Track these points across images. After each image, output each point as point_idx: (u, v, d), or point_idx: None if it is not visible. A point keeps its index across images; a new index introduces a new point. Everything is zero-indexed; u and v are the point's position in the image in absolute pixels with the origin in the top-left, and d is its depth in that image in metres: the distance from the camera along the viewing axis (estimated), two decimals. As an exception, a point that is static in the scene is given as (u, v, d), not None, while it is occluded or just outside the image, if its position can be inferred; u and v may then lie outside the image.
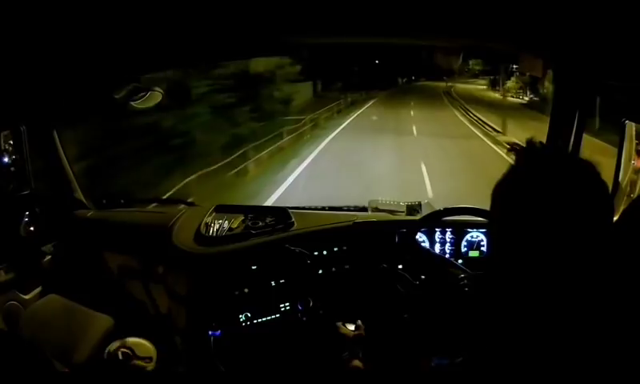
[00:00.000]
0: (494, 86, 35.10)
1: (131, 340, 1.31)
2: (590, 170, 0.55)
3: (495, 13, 0.93)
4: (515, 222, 0.56)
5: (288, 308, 1.58)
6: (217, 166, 7.82)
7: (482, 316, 0.67)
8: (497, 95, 29.24)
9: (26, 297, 1.46)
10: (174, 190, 6.29)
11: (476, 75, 50.43)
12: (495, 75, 35.02)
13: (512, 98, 25.42)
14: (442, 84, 42.28)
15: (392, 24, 1.12)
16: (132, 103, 1.45)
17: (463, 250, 1.65)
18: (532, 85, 22.40)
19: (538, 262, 0.54)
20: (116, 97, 1.38)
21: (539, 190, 0.54)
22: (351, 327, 1.32)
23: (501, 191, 0.59)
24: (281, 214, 1.72)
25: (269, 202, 6.56)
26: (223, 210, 1.75)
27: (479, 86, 40.20)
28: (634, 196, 1.31)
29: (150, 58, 1.29)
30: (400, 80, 46.15)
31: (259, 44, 1.43)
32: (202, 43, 1.24)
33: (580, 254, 0.53)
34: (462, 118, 18.57)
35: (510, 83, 27.42)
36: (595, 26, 0.90)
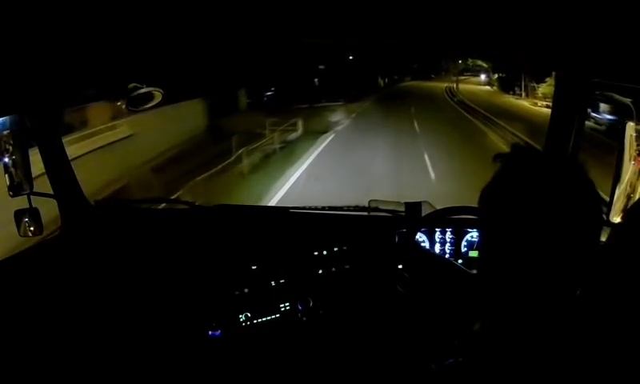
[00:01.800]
0: (507, 87, 25.57)
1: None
2: (574, 170, 0.55)
3: (496, 14, 0.93)
4: (500, 223, 0.56)
5: (288, 308, 1.58)
6: None
7: (480, 315, 0.67)
8: (524, 103, 20.08)
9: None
10: None
11: (461, 72, 40.82)
12: (502, 73, 25.92)
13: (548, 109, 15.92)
14: (436, 85, 33.20)
15: (393, 25, 1.12)
16: (133, 103, 1.45)
17: (463, 249, 1.65)
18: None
19: (524, 262, 0.55)
20: (120, 97, 1.39)
21: (522, 191, 0.54)
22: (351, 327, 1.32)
23: (486, 193, 0.59)
24: (281, 214, 1.72)
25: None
26: (224, 209, 1.76)
27: (481, 87, 31.37)
28: (634, 196, 1.31)
29: (145, 59, 1.29)
30: (381, 80, 34.37)
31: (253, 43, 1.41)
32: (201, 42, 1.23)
33: (567, 253, 0.53)
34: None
35: (547, 88, 17.33)
36: (595, 27, 0.90)
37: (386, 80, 36.75)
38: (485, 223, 0.60)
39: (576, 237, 0.54)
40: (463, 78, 39.08)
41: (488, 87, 30.67)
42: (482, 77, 36.08)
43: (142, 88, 1.43)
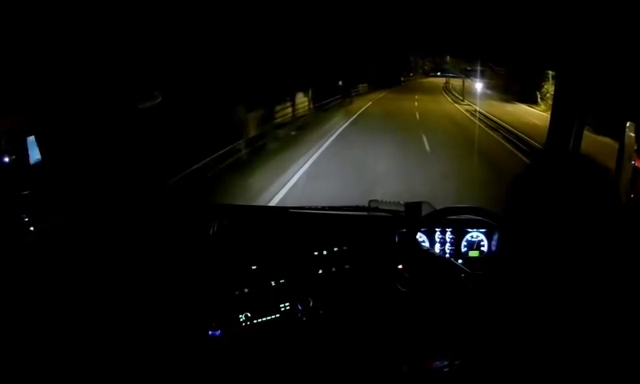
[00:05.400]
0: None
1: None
2: (595, 171, 0.55)
3: (500, 20, 0.93)
4: (523, 218, 0.56)
5: (288, 308, 1.58)
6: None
7: (482, 316, 0.67)
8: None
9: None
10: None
11: (427, 73, 33.86)
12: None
13: None
14: (441, 107, 17.62)
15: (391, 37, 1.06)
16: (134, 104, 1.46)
17: (463, 249, 1.65)
18: None
19: (542, 259, 0.55)
20: (122, 98, 1.39)
21: (547, 188, 0.54)
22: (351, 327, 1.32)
23: (512, 189, 0.59)
24: (281, 214, 1.72)
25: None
26: (223, 209, 1.76)
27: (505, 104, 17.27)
28: (634, 196, 1.31)
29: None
30: (304, 98, 12.12)
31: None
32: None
33: (583, 253, 0.54)
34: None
35: None
36: (594, 30, 0.90)
37: (311, 101, 13.57)
38: (506, 221, 0.60)
39: (594, 235, 0.54)
40: (428, 79, 30.21)
41: (524, 106, 16.35)
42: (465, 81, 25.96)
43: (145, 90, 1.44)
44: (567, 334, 0.54)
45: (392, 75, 26.41)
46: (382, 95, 21.57)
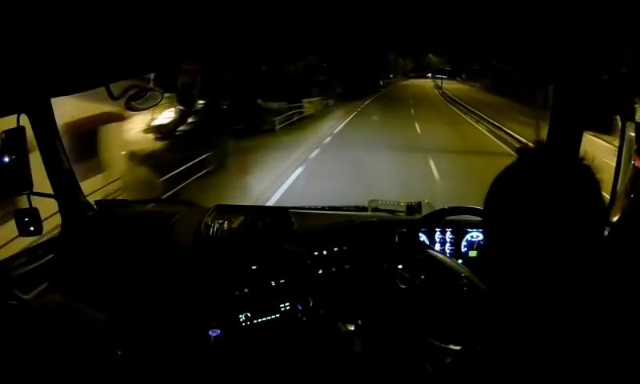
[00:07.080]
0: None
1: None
2: (583, 170, 0.55)
3: (497, 18, 0.93)
4: (508, 219, 0.56)
5: (288, 308, 1.58)
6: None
7: (481, 314, 0.67)
8: None
9: (27, 297, 1.46)
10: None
11: (406, 74, 27.92)
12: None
13: None
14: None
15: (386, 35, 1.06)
16: (133, 104, 1.45)
17: (463, 250, 1.65)
18: None
19: (529, 260, 0.55)
20: (117, 96, 1.37)
21: (532, 187, 0.54)
22: (351, 327, 1.32)
23: (496, 188, 0.59)
24: (281, 214, 1.72)
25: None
26: (223, 210, 1.76)
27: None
28: (634, 196, 1.31)
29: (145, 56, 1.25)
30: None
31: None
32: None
33: (572, 252, 0.53)
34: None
35: None
36: (594, 29, 0.90)
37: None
38: (490, 220, 0.59)
39: (583, 236, 0.53)
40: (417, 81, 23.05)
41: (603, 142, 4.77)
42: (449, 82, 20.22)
43: (143, 89, 1.42)
44: (567, 333, 0.54)
45: (368, 78, 17.69)
46: (341, 126, 11.48)
